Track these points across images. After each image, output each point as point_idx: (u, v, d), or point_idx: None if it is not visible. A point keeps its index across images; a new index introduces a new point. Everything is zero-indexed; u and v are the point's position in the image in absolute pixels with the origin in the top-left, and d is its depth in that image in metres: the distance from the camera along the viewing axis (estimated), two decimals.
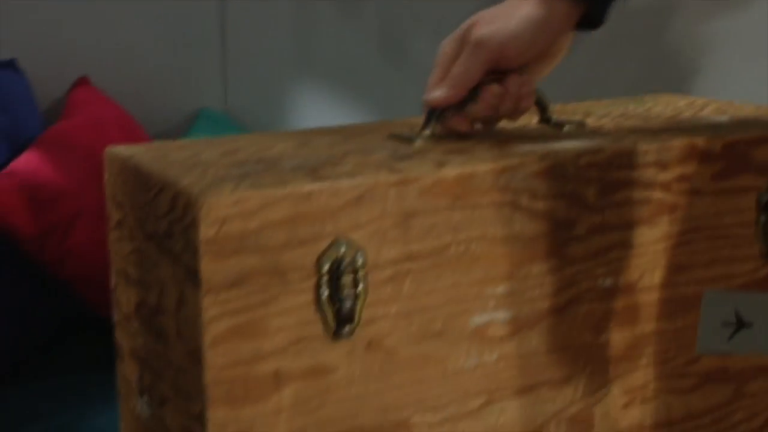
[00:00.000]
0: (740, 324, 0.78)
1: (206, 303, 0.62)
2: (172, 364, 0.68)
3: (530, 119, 0.84)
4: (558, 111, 0.84)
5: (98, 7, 1.22)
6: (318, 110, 1.24)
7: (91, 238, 0.99)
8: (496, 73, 0.75)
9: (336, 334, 0.65)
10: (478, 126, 0.78)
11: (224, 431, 0.63)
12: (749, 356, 0.80)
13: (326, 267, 0.64)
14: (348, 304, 0.65)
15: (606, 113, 0.87)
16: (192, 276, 0.63)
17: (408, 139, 0.76)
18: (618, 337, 0.75)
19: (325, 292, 0.64)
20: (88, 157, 1.09)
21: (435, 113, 0.76)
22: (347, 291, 0.65)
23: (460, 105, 0.75)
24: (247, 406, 0.64)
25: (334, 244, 0.64)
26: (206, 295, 0.62)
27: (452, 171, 0.67)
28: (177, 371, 0.67)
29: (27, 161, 1.00)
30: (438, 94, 0.75)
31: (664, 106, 0.90)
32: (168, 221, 0.66)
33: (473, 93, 0.75)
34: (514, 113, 0.77)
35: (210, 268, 0.62)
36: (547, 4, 0.73)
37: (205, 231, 0.61)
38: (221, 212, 0.61)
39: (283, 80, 1.26)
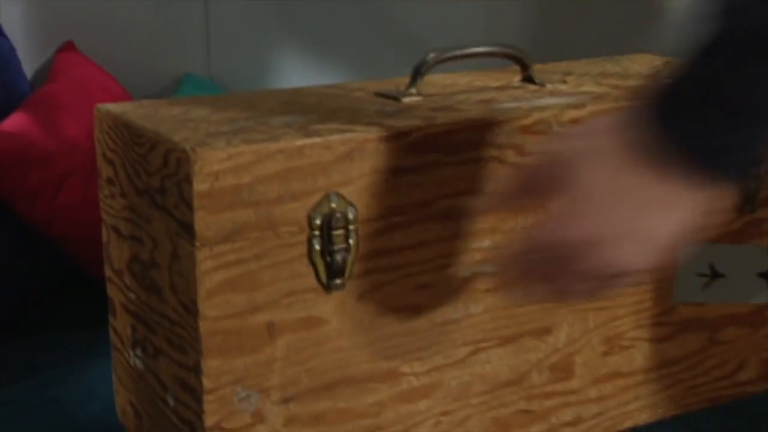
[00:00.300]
0: (714, 275, 0.78)
1: (200, 256, 0.61)
2: (165, 317, 0.67)
3: (513, 78, 0.83)
4: (539, 70, 0.83)
5: None
6: (300, 74, 1.22)
7: (80, 198, 0.97)
8: None
9: (328, 287, 0.64)
10: None
11: (219, 381, 0.63)
12: (722, 305, 0.80)
13: (318, 221, 0.63)
14: (339, 258, 0.64)
15: (585, 72, 0.86)
16: (186, 230, 0.62)
17: (395, 97, 0.75)
18: None
19: (317, 246, 0.64)
20: (75, 119, 1.07)
21: (420, 70, 0.75)
22: (339, 245, 0.64)
23: None
24: (242, 356, 0.63)
25: (325, 198, 0.63)
26: (200, 249, 0.61)
27: (440, 127, 0.66)
28: (171, 324, 0.66)
29: (15, 123, 0.97)
30: None
31: (641, 66, 0.89)
32: (161, 176, 0.65)
33: None
34: None
35: (204, 222, 0.61)
36: None
37: (199, 185, 0.60)
38: (214, 167, 0.60)
39: (266, 45, 1.24)
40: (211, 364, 0.62)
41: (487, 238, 0.69)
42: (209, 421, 0.63)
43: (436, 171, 0.67)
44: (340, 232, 0.64)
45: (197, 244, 0.61)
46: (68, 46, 1.21)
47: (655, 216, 0.54)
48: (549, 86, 0.79)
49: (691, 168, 0.53)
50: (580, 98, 0.74)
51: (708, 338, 0.80)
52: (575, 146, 0.55)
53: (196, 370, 0.63)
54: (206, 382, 0.62)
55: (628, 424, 0.78)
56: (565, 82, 0.81)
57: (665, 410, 0.80)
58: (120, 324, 0.76)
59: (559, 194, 0.55)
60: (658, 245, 0.56)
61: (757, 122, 0.52)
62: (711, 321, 0.80)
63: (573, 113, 0.71)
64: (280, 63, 1.25)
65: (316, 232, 0.63)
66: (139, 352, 0.73)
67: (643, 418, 0.79)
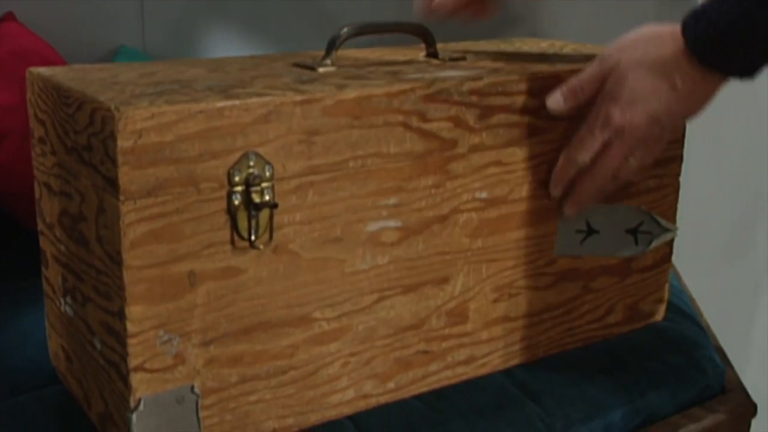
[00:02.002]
0: (590, 231, 0.77)
1: (124, 209, 0.55)
2: (93, 267, 0.61)
3: (418, 54, 0.79)
4: (442, 48, 0.79)
5: None
6: (229, 48, 1.16)
7: (17, 156, 0.89)
8: None
9: (245, 240, 0.60)
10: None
11: (142, 325, 0.57)
12: (596, 258, 0.79)
13: (237, 178, 0.58)
14: (257, 212, 0.59)
15: (482, 50, 0.83)
16: (111, 184, 0.56)
17: (311, 67, 0.70)
18: (491, 242, 0.72)
19: (236, 201, 0.59)
20: (14, 84, 0.98)
21: (335, 43, 0.70)
22: (256, 200, 0.59)
23: None
24: (164, 303, 0.58)
25: (244, 157, 0.58)
26: (124, 203, 0.55)
27: (351, 93, 0.62)
28: (98, 273, 0.60)
29: None
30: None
31: (530, 46, 0.87)
32: (87, 134, 0.59)
33: None
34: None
35: (128, 177, 0.55)
36: None
37: (123, 142, 0.54)
38: (138, 125, 0.55)
39: (197, 20, 1.17)
40: (134, 310, 0.57)
41: (393, 195, 0.66)
42: (133, 363, 0.58)
43: (347, 134, 0.62)
44: (258, 188, 0.59)
45: (121, 197, 0.55)
46: (9, 17, 1.11)
47: (687, 102, 0.65)
48: (450, 61, 0.75)
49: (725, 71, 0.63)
50: (477, 71, 0.70)
51: (583, 286, 0.79)
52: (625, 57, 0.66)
53: (121, 315, 0.57)
54: (130, 327, 0.57)
55: (514, 361, 0.76)
56: (464, 58, 0.77)
57: (546, 350, 0.78)
58: (52, 274, 0.70)
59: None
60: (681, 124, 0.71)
61: None
62: (586, 271, 0.79)
63: (471, 84, 0.67)
64: (210, 36, 1.18)
65: (236, 189, 0.58)
66: (69, 299, 0.67)
67: (526, 356, 0.77)
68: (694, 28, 0.63)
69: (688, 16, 0.64)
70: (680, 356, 0.82)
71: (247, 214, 0.59)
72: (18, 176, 0.89)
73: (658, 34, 0.65)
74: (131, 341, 0.57)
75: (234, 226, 0.59)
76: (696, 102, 0.66)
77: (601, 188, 0.71)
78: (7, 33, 1.08)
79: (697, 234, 1.20)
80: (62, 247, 0.66)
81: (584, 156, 0.69)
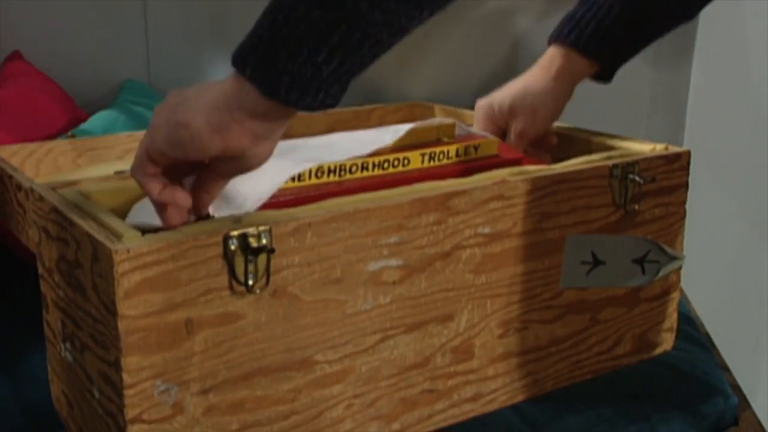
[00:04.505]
0: (596, 262, 0.73)
1: (118, 259, 0.53)
2: (89, 315, 0.58)
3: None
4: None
5: None
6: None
7: None
8: None
9: (244, 285, 0.57)
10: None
11: (139, 376, 0.54)
12: (602, 289, 0.75)
13: (233, 222, 0.56)
14: (255, 257, 0.56)
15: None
16: (104, 232, 0.53)
17: None
18: (494, 277, 0.68)
19: (233, 246, 0.56)
20: (21, 123, 0.96)
21: None
22: (254, 245, 0.56)
23: None
24: (161, 352, 0.55)
25: None
26: (118, 251, 0.52)
27: None
28: (94, 321, 0.57)
29: None
30: None
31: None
32: None
33: None
34: None
35: (121, 225, 0.52)
36: None
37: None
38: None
39: (199, 54, 1.15)
40: (130, 361, 0.54)
41: (394, 234, 0.63)
42: (130, 414, 0.55)
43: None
44: (255, 233, 0.56)
45: (114, 246, 0.52)
46: (15, 56, 1.10)
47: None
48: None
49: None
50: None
51: (590, 318, 0.75)
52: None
53: (117, 366, 0.54)
54: (126, 378, 0.54)
55: (521, 397, 0.73)
56: None
57: (554, 383, 0.75)
58: (52, 318, 0.67)
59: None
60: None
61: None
62: (593, 303, 0.75)
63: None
64: (215, 69, 1.16)
65: (232, 233, 0.56)
66: (68, 345, 0.64)
67: (534, 391, 0.73)
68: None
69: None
70: (691, 387, 0.78)
71: (244, 259, 0.56)
72: None
73: None
74: (128, 392, 0.54)
75: (231, 272, 0.56)
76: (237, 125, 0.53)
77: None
78: (14, 72, 1.06)
79: (703, 252, 1.16)
80: (61, 293, 0.64)
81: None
